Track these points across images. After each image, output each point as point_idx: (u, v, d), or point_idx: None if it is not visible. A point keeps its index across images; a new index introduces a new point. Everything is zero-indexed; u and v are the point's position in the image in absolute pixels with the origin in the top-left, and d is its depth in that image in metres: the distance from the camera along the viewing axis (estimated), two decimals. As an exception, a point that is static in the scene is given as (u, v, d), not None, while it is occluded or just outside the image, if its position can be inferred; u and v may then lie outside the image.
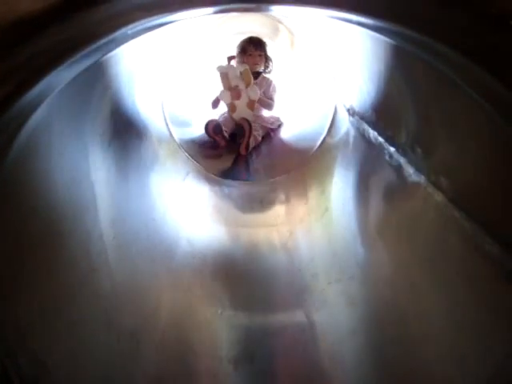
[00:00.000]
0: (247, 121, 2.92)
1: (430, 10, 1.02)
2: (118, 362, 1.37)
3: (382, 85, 1.80)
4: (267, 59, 3.30)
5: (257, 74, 3.21)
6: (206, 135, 2.92)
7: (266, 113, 3.25)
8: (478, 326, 1.21)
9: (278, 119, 3.25)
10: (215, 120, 2.95)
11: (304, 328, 1.46)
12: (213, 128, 2.89)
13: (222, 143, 2.94)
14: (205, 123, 2.97)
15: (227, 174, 2.64)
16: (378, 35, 1.33)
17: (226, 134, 2.92)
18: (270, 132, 3.17)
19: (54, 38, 1.04)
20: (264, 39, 3.29)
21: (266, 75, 3.28)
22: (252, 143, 2.91)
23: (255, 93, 3.00)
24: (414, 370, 1.25)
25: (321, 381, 1.29)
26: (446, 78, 1.21)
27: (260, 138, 3.04)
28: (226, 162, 2.80)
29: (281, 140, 3.08)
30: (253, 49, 3.19)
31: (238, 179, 2.61)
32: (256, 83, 3.10)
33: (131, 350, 1.40)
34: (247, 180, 2.62)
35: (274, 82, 3.28)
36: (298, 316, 1.53)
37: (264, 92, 3.20)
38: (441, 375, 1.20)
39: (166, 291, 1.67)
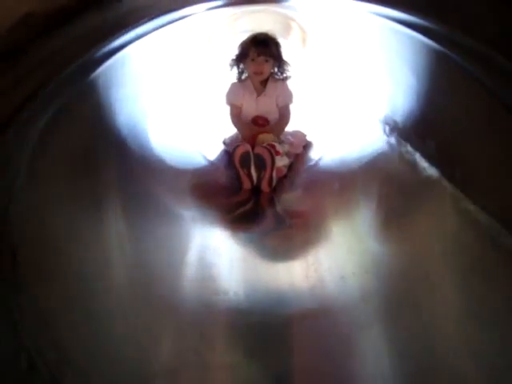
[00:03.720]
0: (268, 150, 2.32)
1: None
2: (135, 352, 1.39)
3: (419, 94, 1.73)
4: (280, 63, 2.62)
5: (266, 81, 2.63)
6: (219, 168, 2.49)
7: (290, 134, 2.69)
8: (493, 317, 1.22)
9: (303, 139, 2.73)
10: (245, 146, 2.36)
11: (320, 319, 1.47)
12: (241, 157, 2.33)
13: (247, 185, 2.36)
14: (230, 147, 2.53)
15: (248, 223, 2.14)
16: (413, 34, 1.29)
17: (253, 173, 2.33)
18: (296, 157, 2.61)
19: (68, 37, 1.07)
20: (274, 35, 2.61)
21: (278, 80, 2.64)
22: (275, 177, 2.36)
23: (283, 161, 2.44)
24: (428, 360, 1.26)
25: (337, 372, 1.30)
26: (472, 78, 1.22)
27: (286, 170, 2.48)
28: (245, 204, 2.29)
29: (309, 166, 2.53)
30: (256, 53, 2.52)
31: (262, 228, 2.12)
32: (265, 95, 2.60)
33: (148, 341, 1.42)
34: (275, 230, 2.10)
35: (288, 88, 2.66)
36: (314, 308, 1.54)
37: (277, 102, 2.63)
38: (455, 366, 1.20)
39: (182, 283, 1.69)
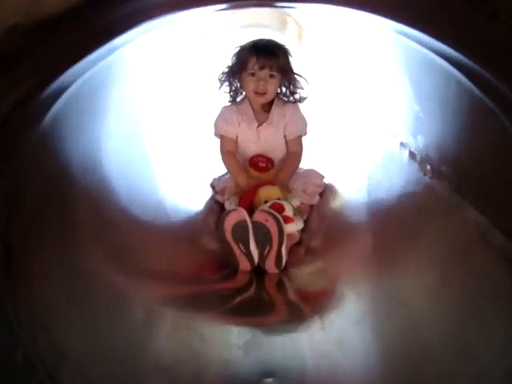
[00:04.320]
0: (274, 217, 1.64)
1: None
2: (131, 348, 1.40)
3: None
4: (291, 79, 2.05)
5: (270, 104, 2.08)
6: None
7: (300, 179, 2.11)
8: (481, 312, 1.24)
9: (319, 183, 2.17)
10: (240, 213, 1.68)
11: (312, 316, 1.48)
12: (235, 229, 1.67)
13: (245, 266, 1.71)
14: (220, 197, 2.14)
15: (249, 317, 1.58)
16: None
17: (253, 250, 1.69)
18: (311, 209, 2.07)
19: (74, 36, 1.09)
20: (281, 42, 2.09)
21: (287, 103, 2.09)
22: (286, 253, 1.69)
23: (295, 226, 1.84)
24: (417, 355, 1.28)
25: (328, 366, 1.32)
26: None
27: (299, 235, 1.88)
28: (243, 290, 1.68)
29: (330, 221, 2.02)
30: (258, 65, 1.96)
31: (269, 323, 1.55)
32: (269, 124, 2.07)
33: (144, 336, 1.44)
34: (286, 324, 1.54)
35: (301, 115, 2.11)
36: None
37: (284, 134, 2.07)
38: (443, 360, 1.23)
39: (176, 280, 1.71)
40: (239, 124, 2.06)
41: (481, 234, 1.31)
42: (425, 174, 1.63)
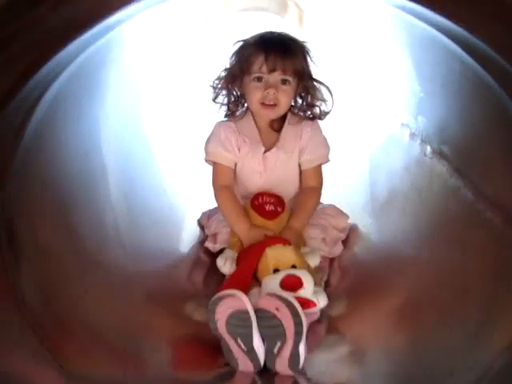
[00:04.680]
0: (289, 305, 1.14)
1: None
2: (133, 326, 1.42)
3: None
4: (309, 87, 1.59)
5: (281, 120, 1.63)
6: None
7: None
8: (479, 290, 1.26)
9: (342, 225, 1.69)
10: (237, 298, 1.17)
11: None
12: (230, 321, 1.18)
13: (247, 367, 1.20)
14: (210, 243, 1.70)
15: None
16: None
17: (258, 348, 1.19)
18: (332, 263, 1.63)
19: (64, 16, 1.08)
20: (295, 36, 1.60)
21: (303, 119, 1.64)
22: (304, 350, 1.17)
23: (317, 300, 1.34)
24: (418, 333, 1.29)
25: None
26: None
27: (319, 312, 1.37)
28: None
29: (356, 277, 1.60)
30: (266, 66, 1.50)
31: None
32: (279, 147, 1.61)
33: (146, 315, 1.45)
34: None
35: (322, 136, 1.65)
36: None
37: (299, 161, 1.63)
38: (441, 338, 1.24)
39: (177, 262, 1.72)
40: (239, 148, 1.59)
41: (480, 213, 1.32)
42: (425, 155, 1.64)
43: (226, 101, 1.65)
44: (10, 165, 1.16)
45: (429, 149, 1.61)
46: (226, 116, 1.66)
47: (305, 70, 1.55)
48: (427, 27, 1.15)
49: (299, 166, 1.63)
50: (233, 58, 1.59)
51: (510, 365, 1.05)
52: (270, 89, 1.49)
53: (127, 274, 1.50)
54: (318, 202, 1.62)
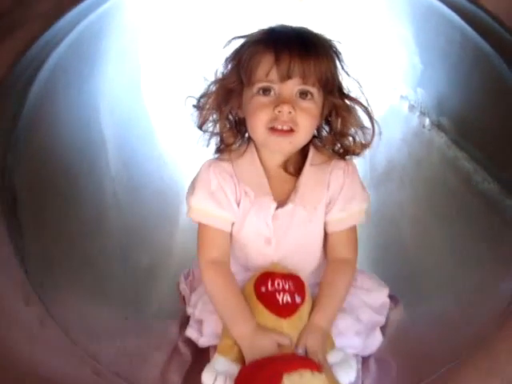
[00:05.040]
0: None
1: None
2: (134, 296, 1.44)
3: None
4: (340, 109, 1.13)
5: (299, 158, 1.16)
6: None
7: None
8: (475, 259, 1.28)
9: (381, 297, 1.22)
10: None
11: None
12: None
13: None
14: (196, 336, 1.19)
15: None
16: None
17: None
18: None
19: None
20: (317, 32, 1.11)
21: (330, 156, 1.16)
22: None
23: None
24: (416, 301, 1.32)
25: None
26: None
27: None
28: None
29: None
30: (279, 73, 1.03)
31: None
32: (296, 202, 1.13)
33: (147, 285, 1.48)
34: None
35: (359, 182, 1.17)
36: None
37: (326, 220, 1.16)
38: (440, 307, 1.27)
39: (178, 231, 1.74)
40: (238, 202, 1.13)
41: (477, 184, 1.34)
42: (424, 127, 1.65)
43: (217, 129, 1.15)
44: (11, 136, 1.16)
45: (427, 121, 1.62)
46: (217, 151, 1.17)
47: (335, 80, 1.08)
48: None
49: (324, 225, 1.15)
50: (227, 64, 1.12)
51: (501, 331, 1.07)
52: (284, 105, 1.01)
53: (127, 243, 1.52)
54: (351, 282, 1.13)
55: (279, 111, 1.02)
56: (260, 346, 1.01)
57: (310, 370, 0.90)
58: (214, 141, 1.17)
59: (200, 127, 1.17)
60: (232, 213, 1.13)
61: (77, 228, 1.40)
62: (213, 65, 1.16)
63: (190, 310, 1.24)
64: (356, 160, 1.19)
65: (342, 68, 1.12)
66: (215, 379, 1.01)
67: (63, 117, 1.39)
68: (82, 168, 1.53)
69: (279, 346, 1.00)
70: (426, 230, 1.46)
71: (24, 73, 1.15)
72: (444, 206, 1.44)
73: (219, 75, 1.13)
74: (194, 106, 1.18)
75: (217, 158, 1.17)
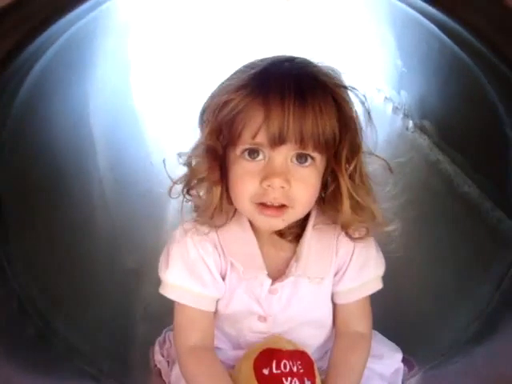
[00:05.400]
0: None
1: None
2: (122, 297, 1.46)
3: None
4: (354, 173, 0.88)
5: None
6: None
7: None
8: (455, 262, 1.31)
9: (395, 363, 1.04)
10: None
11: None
12: None
13: None
14: None
15: None
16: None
17: None
18: None
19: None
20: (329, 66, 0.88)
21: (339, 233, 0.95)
22: None
23: None
24: (396, 301, 1.34)
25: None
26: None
27: None
28: None
29: None
30: (268, 136, 0.80)
31: None
32: (297, 267, 0.93)
33: (133, 286, 1.49)
34: None
35: (374, 250, 0.99)
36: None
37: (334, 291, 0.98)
38: (421, 304, 1.30)
39: (165, 232, 1.75)
40: (224, 276, 0.95)
41: (458, 187, 1.37)
42: (407, 129, 1.68)
43: (199, 201, 0.93)
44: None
45: (411, 123, 1.65)
46: (196, 218, 0.94)
47: (342, 141, 0.85)
48: (407, 8, 1.17)
49: (332, 296, 0.98)
50: (206, 119, 0.88)
51: (480, 332, 1.10)
52: (275, 179, 0.80)
53: (114, 244, 1.53)
54: (367, 360, 0.95)
55: (269, 185, 0.81)
56: None
57: None
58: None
59: (187, 193, 0.94)
60: (216, 290, 0.94)
61: (64, 229, 1.40)
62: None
63: (165, 358, 1.07)
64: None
65: (352, 120, 0.87)
66: None
67: (51, 119, 1.40)
68: (70, 170, 1.54)
69: None
70: (407, 231, 1.48)
71: (14, 75, 1.15)
72: (425, 209, 1.46)
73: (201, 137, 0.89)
74: (187, 191, 0.94)
75: (195, 221, 0.93)
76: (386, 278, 1.33)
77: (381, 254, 0.98)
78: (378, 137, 1.80)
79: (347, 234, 0.92)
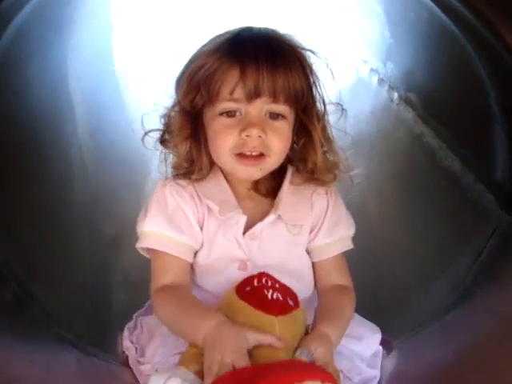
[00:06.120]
0: None
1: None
2: (101, 265, 1.45)
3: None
4: (311, 130, 0.96)
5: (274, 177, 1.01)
6: None
7: None
8: (435, 234, 1.32)
9: (373, 345, 1.02)
10: None
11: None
12: None
13: None
14: None
15: None
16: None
17: None
18: None
19: None
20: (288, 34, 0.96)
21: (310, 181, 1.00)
22: None
23: None
24: (377, 273, 1.36)
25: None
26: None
27: None
28: None
29: None
30: (245, 90, 0.88)
31: None
32: (274, 212, 0.97)
33: (113, 253, 1.48)
34: None
35: (342, 206, 1.05)
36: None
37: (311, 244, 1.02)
38: (401, 277, 1.31)
39: (144, 199, 1.73)
40: (202, 224, 0.97)
41: (441, 161, 1.37)
42: (392, 101, 1.67)
43: (176, 157, 0.99)
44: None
45: (396, 95, 1.64)
46: (175, 171, 0.99)
47: (308, 96, 0.95)
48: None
49: (310, 255, 1.01)
50: (183, 80, 0.95)
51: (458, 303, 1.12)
52: (253, 128, 0.88)
53: (93, 211, 1.51)
54: (353, 308, 0.98)
55: (247, 135, 0.88)
56: (236, 347, 0.77)
57: (320, 381, 0.66)
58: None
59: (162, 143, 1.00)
60: (193, 238, 0.95)
61: (43, 196, 1.38)
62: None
63: (143, 369, 0.96)
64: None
65: (314, 83, 0.96)
66: (168, 379, 0.75)
67: (27, 84, 1.36)
68: (48, 134, 1.51)
69: (267, 348, 0.79)
70: (389, 204, 1.49)
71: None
72: (408, 182, 1.47)
73: (176, 97, 0.96)
74: (161, 142, 0.99)
75: (174, 177, 0.98)
76: (365, 250, 1.35)
77: (350, 217, 1.04)
78: (363, 108, 1.81)
79: (319, 179, 0.99)
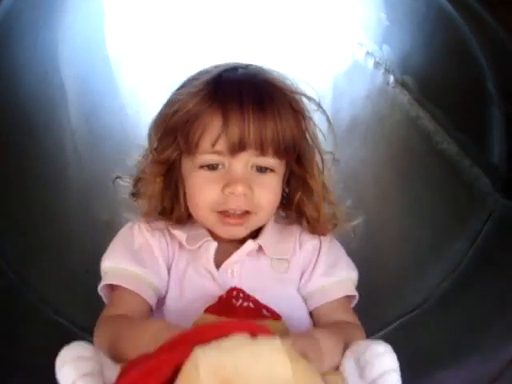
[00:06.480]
0: None
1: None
2: (94, 250, 1.44)
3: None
4: (304, 184, 0.88)
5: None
6: None
7: None
8: (431, 219, 1.32)
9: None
10: None
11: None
12: None
13: None
14: None
15: None
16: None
17: None
18: None
19: None
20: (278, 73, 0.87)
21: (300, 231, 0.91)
22: None
23: None
24: (373, 258, 1.35)
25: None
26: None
27: None
28: None
29: None
30: (228, 144, 0.78)
31: None
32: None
33: (106, 239, 1.47)
34: None
35: (339, 248, 0.94)
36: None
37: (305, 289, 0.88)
38: (396, 261, 1.31)
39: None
40: (171, 262, 0.87)
41: (437, 144, 1.36)
42: (388, 84, 1.65)
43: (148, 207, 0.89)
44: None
45: (392, 78, 1.62)
46: (144, 216, 0.89)
47: (301, 145, 0.85)
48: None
49: (306, 302, 0.88)
50: (157, 125, 0.87)
51: (453, 288, 1.12)
52: (237, 185, 0.79)
53: (87, 197, 1.50)
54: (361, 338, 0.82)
55: (231, 192, 0.78)
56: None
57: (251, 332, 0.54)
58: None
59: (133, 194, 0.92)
60: (156, 275, 0.83)
61: (36, 182, 1.37)
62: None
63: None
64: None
65: (307, 129, 0.86)
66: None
67: (18, 68, 1.34)
68: (41, 120, 1.49)
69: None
70: (386, 188, 1.48)
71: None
72: (404, 165, 1.46)
73: (151, 145, 0.86)
74: (132, 195, 0.92)
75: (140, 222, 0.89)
76: (361, 235, 1.34)
77: (350, 260, 0.92)
78: (359, 92, 1.79)
79: (315, 230, 0.89)
